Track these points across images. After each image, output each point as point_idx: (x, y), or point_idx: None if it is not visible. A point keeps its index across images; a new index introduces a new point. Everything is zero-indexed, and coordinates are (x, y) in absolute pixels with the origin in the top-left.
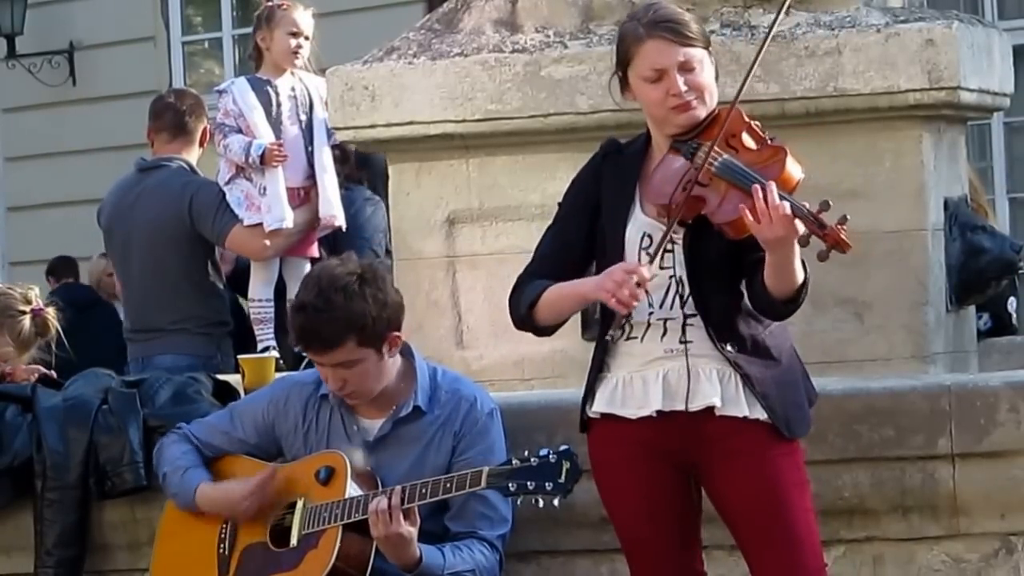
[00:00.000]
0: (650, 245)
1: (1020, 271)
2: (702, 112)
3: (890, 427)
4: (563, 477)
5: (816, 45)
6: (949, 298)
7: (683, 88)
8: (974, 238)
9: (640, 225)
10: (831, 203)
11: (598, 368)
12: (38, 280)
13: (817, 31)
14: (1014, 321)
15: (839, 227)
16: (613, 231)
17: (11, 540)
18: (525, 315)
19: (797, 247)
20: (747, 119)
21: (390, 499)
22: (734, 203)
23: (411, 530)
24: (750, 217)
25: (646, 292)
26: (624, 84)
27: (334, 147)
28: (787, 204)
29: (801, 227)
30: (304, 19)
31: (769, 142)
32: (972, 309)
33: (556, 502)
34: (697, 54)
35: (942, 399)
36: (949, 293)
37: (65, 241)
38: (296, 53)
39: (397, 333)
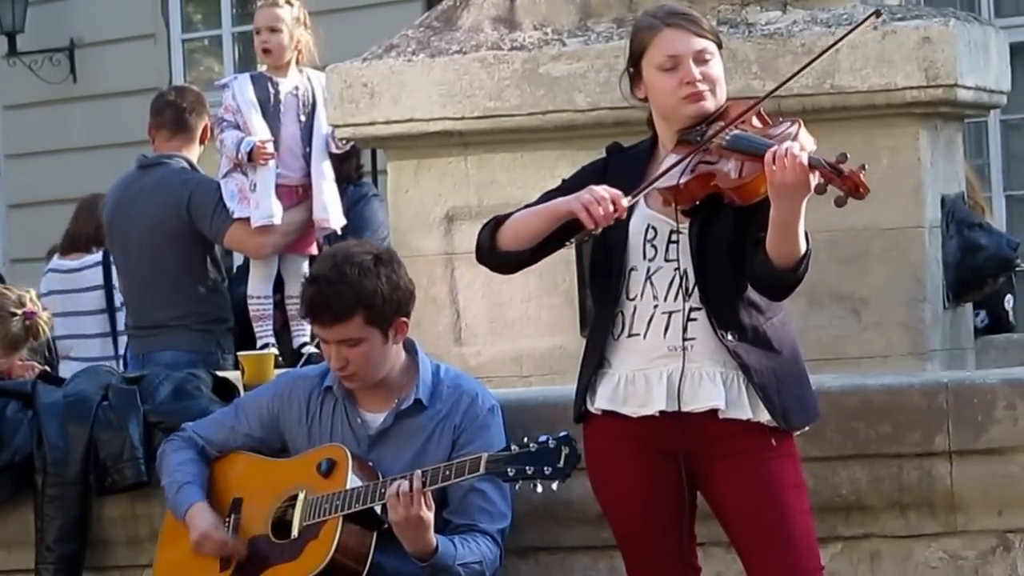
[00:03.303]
0: (654, 237)
1: (1017, 268)
2: (711, 105)
3: (887, 424)
4: (562, 462)
5: (813, 42)
6: (946, 295)
7: (698, 77)
8: (971, 235)
9: (644, 217)
10: (848, 155)
11: (598, 363)
12: (38, 278)
13: (814, 28)
14: (1011, 318)
15: (857, 171)
16: (617, 223)
17: (12, 536)
18: (488, 235)
19: (803, 213)
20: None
21: (411, 481)
22: (746, 168)
23: (429, 514)
24: (770, 165)
25: (651, 284)
26: (634, 81)
27: (341, 151)
28: (804, 153)
29: (815, 179)
30: (268, 14)
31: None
32: (969, 306)
33: (555, 486)
34: (710, 47)
35: (939, 396)
36: (946, 290)
37: None
38: (266, 51)
39: (405, 319)
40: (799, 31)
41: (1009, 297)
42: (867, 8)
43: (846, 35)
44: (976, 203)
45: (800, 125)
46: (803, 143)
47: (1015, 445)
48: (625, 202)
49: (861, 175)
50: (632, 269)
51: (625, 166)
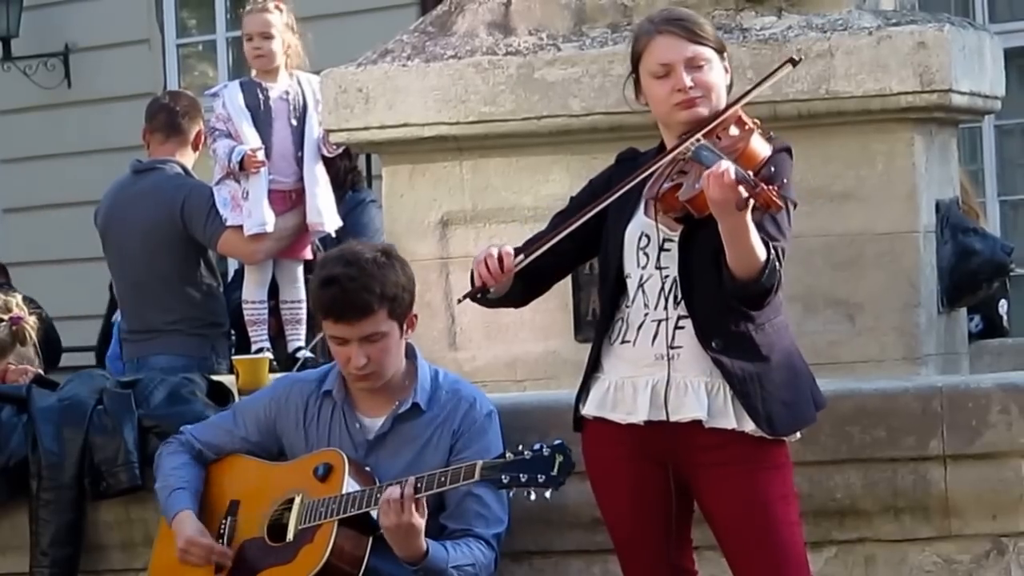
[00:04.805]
0: (647, 244)
1: (1011, 273)
2: (705, 111)
3: (882, 428)
4: (556, 470)
5: (808, 47)
6: (940, 300)
7: (689, 84)
8: (965, 240)
9: (639, 225)
10: (786, 181)
11: (592, 367)
12: (36, 282)
13: (809, 33)
14: (1005, 323)
15: (772, 188)
16: (615, 229)
17: (7, 540)
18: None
19: (751, 224)
20: (741, 113)
21: (403, 488)
22: (702, 181)
23: (421, 521)
24: (704, 180)
25: (643, 292)
26: (637, 86)
27: (333, 156)
28: (732, 170)
29: (744, 192)
30: (260, 20)
31: (747, 127)
32: (963, 311)
33: (548, 494)
34: (706, 53)
35: (934, 401)
36: (940, 295)
37: (61, 243)
38: (258, 57)
39: (415, 314)
40: (794, 36)
41: (1003, 302)
42: (862, 13)
43: (761, 82)
44: (970, 208)
45: (752, 133)
46: (752, 151)
47: (1009, 449)
48: (510, 261)
49: (773, 193)
50: (627, 276)
51: (628, 173)
